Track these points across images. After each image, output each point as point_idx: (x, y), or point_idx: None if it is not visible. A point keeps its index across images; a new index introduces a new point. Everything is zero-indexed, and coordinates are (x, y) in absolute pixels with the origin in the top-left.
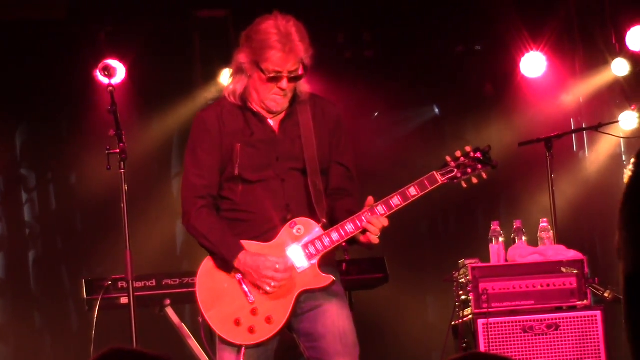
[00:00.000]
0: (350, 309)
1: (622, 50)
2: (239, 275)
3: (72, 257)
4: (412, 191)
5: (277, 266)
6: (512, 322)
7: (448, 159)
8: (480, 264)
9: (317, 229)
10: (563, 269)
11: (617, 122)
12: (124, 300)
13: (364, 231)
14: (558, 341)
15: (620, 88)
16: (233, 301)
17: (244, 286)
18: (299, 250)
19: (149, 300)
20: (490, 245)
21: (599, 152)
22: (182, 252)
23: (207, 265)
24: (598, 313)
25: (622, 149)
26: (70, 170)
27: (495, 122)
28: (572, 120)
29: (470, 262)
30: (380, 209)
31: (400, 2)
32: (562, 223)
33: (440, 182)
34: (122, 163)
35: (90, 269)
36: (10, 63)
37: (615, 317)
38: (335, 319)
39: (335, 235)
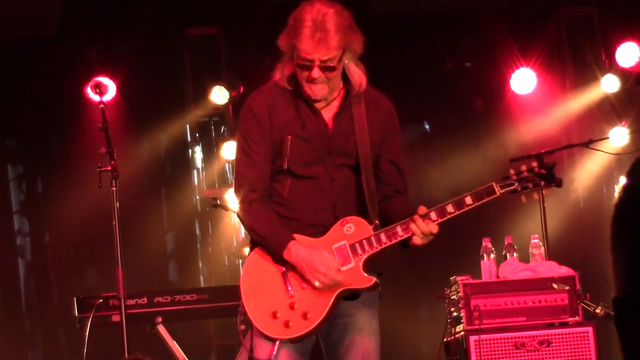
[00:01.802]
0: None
1: (611, 66)
2: (283, 268)
3: (64, 274)
4: (468, 200)
5: (331, 264)
6: (504, 338)
7: (511, 171)
8: (471, 281)
9: (367, 228)
10: (554, 286)
11: (607, 138)
12: (115, 318)
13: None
14: (550, 358)
15: (610, 104)
16: (273, 293)
17: (287, 279)
18: (346, 248)
19: (140, 318)
20: (482, 262)
21: (590, 168)
22: (173, 269)
23: (253, 256)
24: (590, 329)
25: (613, 165)
26: (62, 187)
27: (486, 138)
28: (562, 136)
29: (461, 279)
30: (433, 215)
31: (391, 20)
32: (553, 239)
33: (498, 194)
34: (113, 181)
35: (82, 286)
36: (0, 81)
37: (607, 333)
38: (364, 339)
39: (384, 237)
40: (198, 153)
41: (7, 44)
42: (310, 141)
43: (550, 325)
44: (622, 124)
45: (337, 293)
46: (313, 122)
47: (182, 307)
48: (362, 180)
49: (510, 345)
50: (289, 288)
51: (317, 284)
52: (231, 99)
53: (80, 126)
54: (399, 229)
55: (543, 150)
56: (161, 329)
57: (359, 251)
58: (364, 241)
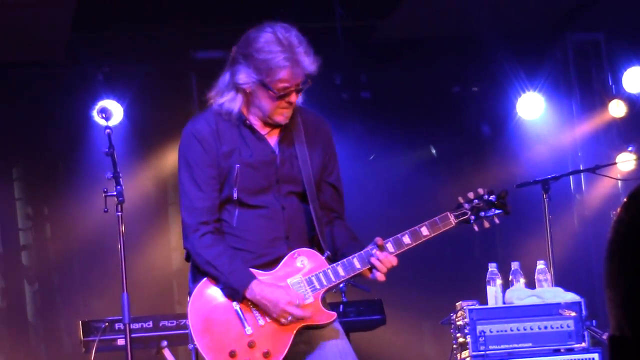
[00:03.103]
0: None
1: (618, 91)
2: (236, 304)
3: (70, 298)
4: (424, 231)
5: (296, 301)
6: None
7: (461, 200)
8: (477, 306)
9: (321, 261)
10: (561, 311)
11: (615, 163)
12: (121, 341)
13: (370, 268)
14: None
15: (617, 129)
16: (229, 331)
17: (241, 316)
18: (302, 282)
19: (146, 342)
20: (488, 287)
21: (597, 193)
22: (179, 293)
23: (201, 289)
24: (596, 355)
25: (620, 190)
26: (67, 212)
27: (493, 163)
28: (569, 161)
29: (467, 304)
30: (390, 246)
31: (397, 44)
32: (559, 265)
33: (453, 224)
34: (119, 206)
35: (88, 311)
36: (6, 103)
37: None
38: (333, 345)
39: (341, 270)
40: None
41: (14, 67)
42: (259, 169)
43: (557, 352)
44: (629, 149)
45: (297, 329)
46: (260, 150)
47: (187, 331)
48: (310, 209)
49: None
50: (245, 325)
51: (283, 321)
52: None
53: (86, 150)
54: (355, 261)
55: (550, 176)
56: (166, 353)
57: (317, 286)
58: (321, 275)
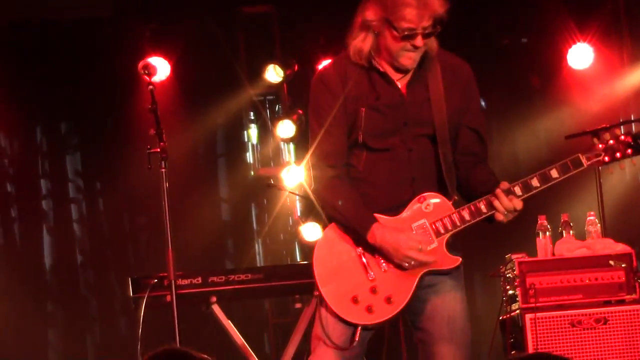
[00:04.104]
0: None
1: None
2: (359, 249)
3: (121, 255)
4: (554, 173)
5: (420, 246)
6: (560, 316)
7: (595, 140)
8: (527, 259)
9: (447, 206)
10: (611, 263)
11: None
12: (169, 298)
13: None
14: (606, 335)
15: None
16: (352, 277)
17: (365, 261)
18: (427, 227)
19: (195, 298)
20: (537, 239)
21: None
22: (229, 247)
23: (326, 236)
24: None
25: None
26: (116, 168)
27: (542, 115)
28: (620, 112)
29: (517, 257)
30: (517, 189)
31: None
32: (609, 216)
33: (585, 166)
34: (163, 162)
35: (139, 267)
36: (55, 61)
37: None
38: (447, 302)
39: (467, 215)
40: (253, 132)
41: (63, 24)
42: (385, 112)
43: (607, 303)
44: None
45: (420, 275)
46: (388, 92)
47: (236, 286)
48: (439, 152)
49: (567, 323)
50: (369, 271)
51: (406, 266)
52: (285, 77)
53: (134, 106)
54: (482, 206)
55: (600, 127)
56: (216, 308)
57: (442, 230)
58: (446, 219)
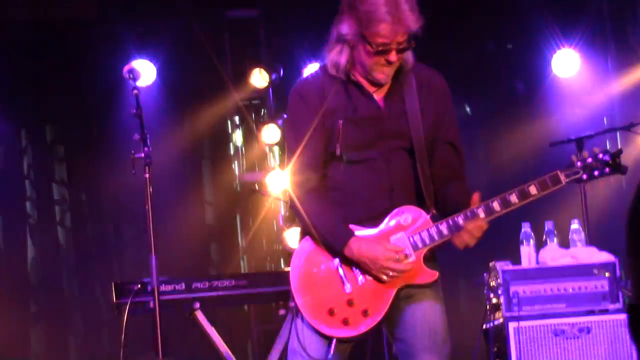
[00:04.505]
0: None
1: None
2: (336, 262)
3: (104, 261)
4: (532, 190)
5: (397, 256)
6: (543, 325)
7: (574, 158)
8: (511, 267)
9: (425, 219)
10: (595, 272)
11: None
12: (153, 304)
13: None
14: (590, 345)
15: None
16: (328, 289)
17: (342, 273)
18: (404, 240)
19: (178, 304)
20: (521, 247)
21: (632, 152)
22: (213, 253)
23: (303, 247)
24: None
25: None
26: (101, 173)
27: (527, 121)
28: (605, 119)
29: (501, 265)
30: (496, 205)
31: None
32: (594, 225)
33: (564, 183)
34: (146, 167)
35: (123, 272)
36: (40, 62)
37: None
38: (428, 312)
39: (444, 229)
40: (238, 136)
41: (47, 25)
42: (363, 124)
43: (591, 313)
44: None
45: (397, 288)
46: (365, 105)
47: (220, 293)
48: (416, 165)
49: (550, 332)
50: (345, 283)
51: (385, 278)
52: (271, 81)
53: (119, 110)
54: (461, 221)
55: (584, 134)
56: (199, 315)
57: (419, 244)
58: (424, 233)
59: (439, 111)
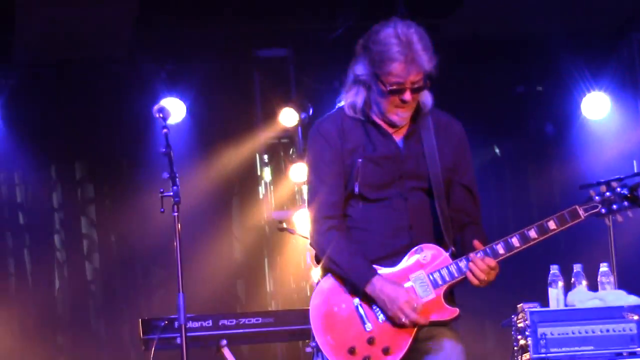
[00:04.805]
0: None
1: None
2: (356, 301)
3: (132, 298)
4: (551, 225)
5: (415, 304)
6: None
7: (592, 192)
8: (539, 309)
9: (444, 257)
10: (624, 314)
11: None
12: (180, 340)
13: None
14: None
15: None
16: (349, 328)
17: (362, 312)
18: (424, 278)
19: (205, 341)
20: (550, 289)
21: None
22: (241, 291)
23: (323, 286)
24: None
25: None
26: (130, 211)
27: (556, 163)
28: (635, 162)
29: (528, 306)
30: (515, 240)
31: (461, 42)
32: (622, 267)
33: (583, 217)
34: (175, 206)
35: (150, 310)
36: (69, 101)
37: None
38: (449, 354)
39: (463, 266)
40: (267, 175)
41: (78, 64)
42: (382, 164)
43: (619, 355)
44: None
45: (418, 326)
46: (384, 144)
47: (247, 330)
48: (435, 204)
49: None
50: (365, 322)
51: (403, 320)
52: (300, 120)
53: (149, 149)
54: (479, 255)
55: (614, 177)
56: (226, 351)
57: (439, 282)
58: (444, 270)
59: (457, 154)
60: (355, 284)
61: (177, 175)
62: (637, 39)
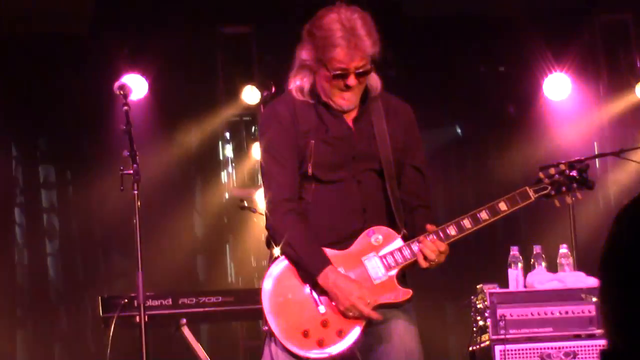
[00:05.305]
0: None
1: None
2: (310, 283)
3: (93, 277)
4: (502, 206)
5: (368, 300)
6: (530, 349)
7: (541, 175)
8: (498, 290)
9: (397, 239)
10: (582, 296)
11: None
12: (139, 318)
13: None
14: None
15: None
16: (302, 311)
17: (315, 296)
18: (376, 260)
19: (165, 319)
20: (509, 271)
21: (621, 177)
22: (201, 268)
23: (275, 270)
24: None
25: None
26: (91, 186)
27: (517, 144)
28: (595, 144)
29: (488, 288)
30: (467, 222)
31: (423, 22)
32: (582, 249)
33: (533, 199)
34: (135, 184)
35: (111, 288)
36: (31, 77)
37: None
38: (403, 337)
39: (415, 247)
40: (228, 152)
41: (39, 39)
42: (335, 145)
43: (577, 337)
44: None
45: (372, 307)
46: (336, 125)
47: (207, 309)
48: (386, 186)
49: (536, 356)
50: (319, 304)
51: (350, 314)
52: (262, 98)
53: (110, 125)
54: (429, 238)
55: (574, 159)
56: (185, 330)
57: (392, 263)
58: (397, 253)
59: (407, 136)
60: (308, 271)
61: (137, 152)
62: (600, 21)
